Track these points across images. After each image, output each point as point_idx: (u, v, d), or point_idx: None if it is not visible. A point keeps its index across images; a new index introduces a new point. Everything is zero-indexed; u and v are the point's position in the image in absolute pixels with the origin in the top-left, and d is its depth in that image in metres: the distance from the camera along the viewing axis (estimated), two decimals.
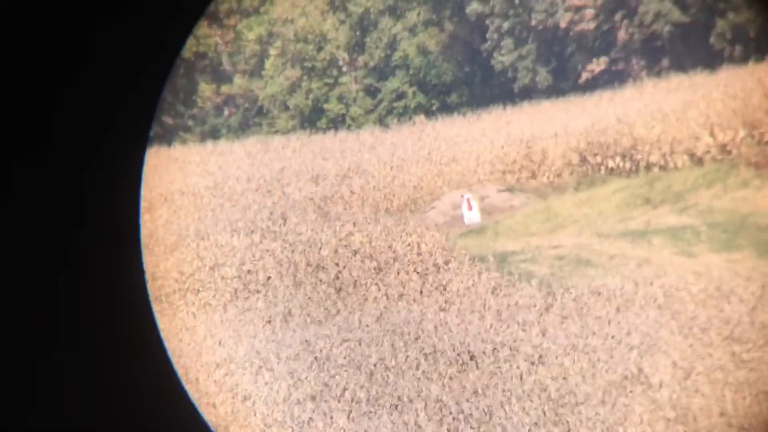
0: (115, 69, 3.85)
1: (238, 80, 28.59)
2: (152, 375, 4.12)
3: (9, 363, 3.64)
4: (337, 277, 14.95)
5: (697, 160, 17.51)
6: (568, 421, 9.98)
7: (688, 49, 22.84)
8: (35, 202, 3.74)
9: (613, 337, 11.53)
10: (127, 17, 3.80)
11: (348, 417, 10.78)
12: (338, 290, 14.54)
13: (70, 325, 3.80)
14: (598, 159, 18.74)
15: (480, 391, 10.86)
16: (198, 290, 15.16)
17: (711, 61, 21.17)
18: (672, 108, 19.09)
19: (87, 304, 3.88)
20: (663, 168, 17.79)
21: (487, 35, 26.87)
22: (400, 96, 26.85)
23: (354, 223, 17.30)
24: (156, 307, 14.49)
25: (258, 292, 14.95)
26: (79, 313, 3.85)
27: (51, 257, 3.79)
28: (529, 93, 25.31)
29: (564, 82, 25.21)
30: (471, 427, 10.26)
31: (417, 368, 11.57)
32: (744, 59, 19.86)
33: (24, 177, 3.72)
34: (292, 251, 16.10)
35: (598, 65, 24.96)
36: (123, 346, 3.98)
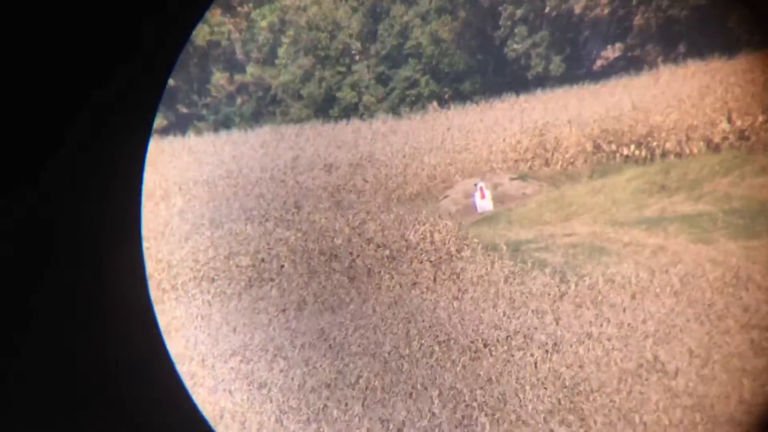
0: (118, 59, 3.82)
1: (251, 69, 28.56)
2: (152, 371, 4.11)
3: (8, 358, 3.63)
4: (351, 266, 14.97)
5: (714, 147, 17.32)
6: (582, 409, 9.96)
7: (706, 34, 22.52)
8: (37, 191, 3.73)
9: (628, 324, 11.47)
10: (131, 6, 3.78)
11: (363, 404, 10.81)
12: (352, 279, 14.56)
13: (67, 320, 3.79)
14: (613, 146, 18.59)
15: (494, 378, 10.86)
16: (213, 278, 15.24)
17: (729, 46, 20.86)
18: (688, 94, 18.88)
19: (86, 298, 3.87)
20: (679, 155, 17.62)
21: (500, 22, 26.65)
22: (413, 84, 26.73)
23: (367, 212, 17.30)
24: (172, 295, 14.63)
25: (272, 280, 15.00)
26: (78, 307, 3.83)
27: (50, 250, 3.77)
28: (543, 81, 25.10)
29: (578, 70, 24.97)
30: (485, 415, 10.27)
31: (431, 356, 11.58)
32: (763, 44, 19.56)
33: (26, 167, 3.70)
34: (306, 240, 16.13)
35: (613, 52, 24.69)
36: (122, 342, 3.96)
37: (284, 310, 13.75)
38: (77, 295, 3.78)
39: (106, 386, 3.83)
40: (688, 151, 17.57)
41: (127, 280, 3.99)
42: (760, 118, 16.89)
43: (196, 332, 13.08)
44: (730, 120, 17.43)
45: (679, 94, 19.09)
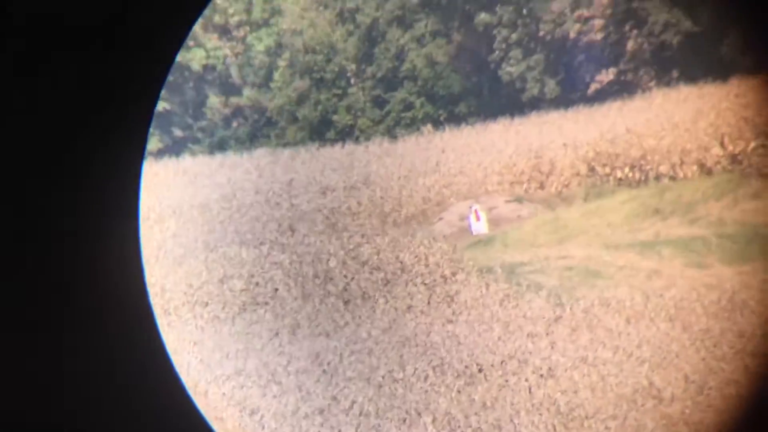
0: (109, 82, 3.85)
1: (247, 92, 28.69)
2: (161, 392, 4.10)
3: (16, 380, 3.62)
4: (346, 289, 14.92)
5: (707, 171, 17.39)
6: None
7: (698, 59, 22.73)
8: (37, 215, 3.73)
9: (623, 349, 11.43)
10: (119, 30, 3.81)
11: (356, 430, 10.72)
12: (346, 302, 14.51)
13: (74, 342, 3.78)
14: (607, 169, 18.65)
15: (488, 404, 10.78)
16: (206, 302, 15.17)
17: (721, 71, 21.04)
18: (682, 118, 18.99)
19: (90, 321, 3.86)
20: (673, 178, 17.68)
21: (495, 46, 26.86)
22: (408, 107, 26.87)
23: (362, 235, 17.29)
24: (164, 320, 14.55)
25: (266, 304, 14.93)
26: (83, 330, 3.83)
27: (52, 273, 3.77)
28: (538, 103, 25.25)
29: (572, 93, 25.14)
30: None
31: (425, 381, 11.51)
32: (755, 70, 19.73)
33: (25, 192, 3.71)
34: (301, 263, 16.09)
35: (607, 76, 24.87)
36: (129, 361, 3.96)
37: (278, 334, 13.68)
38: (81, 318, 3.78)
39: (115, 405, 3.81)
40: (681, 175, 17.64)
41: (130, 303, 3.98)
42: (753, 143, 16.99)
43: (189, 357, 12.98)
44: (722, 144, 17.53)
45: (673, 118, 19.22)
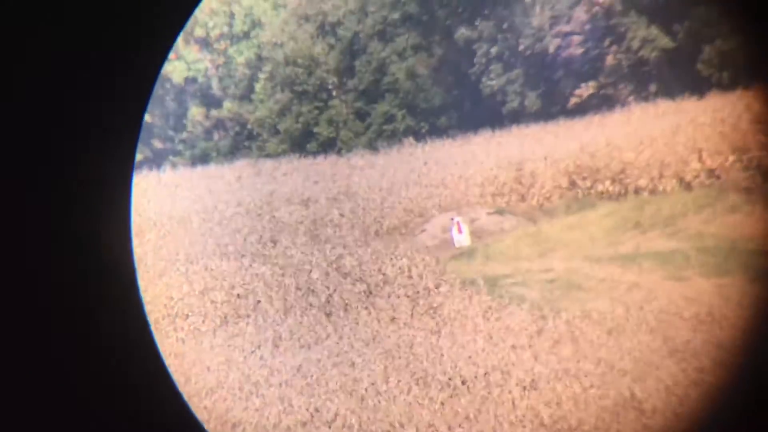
0: (96, 95, 3.85)
1: (228, 104, 28.64)
2: (156, 397, 4.08)
3: (11, 392, 3.57)
4: (328, 301, 14.87)
5: (686, 185, 17.64)
6: None
7: (676, 74, 23.12)
8: (28, 228, 3.71)
9: (605, 361, 11.49)
10: (104, 42, 3.81)
11: None
12: (328, 314, 14.45)
13: (68, 352, 3.75)
14: (588, 183, 18.83)
15: (472, 416, 10.77)
16: (187, 315, 15.03)
17: (698, 86, 21.42)
18: (660, 133, 19.26)
19: (84, 330, 3.84)
20: (652, 192, 17.89)
21: (476, 60, 27.11)
22: (390, 119, 26.98)
23: (344, 246, 17.26)
24: None
25: (248, 316, 14.83)
26: (77, 339, 3.80)
27: (46, 284, 3.74)
28: (518, 116, 25.48)
29: (553, 106, 25.41)
30: None
31: (408, 393, 11.48)
32: (732, 85, 20.10)
33: (17, 204, 3.68)
34: (282, 275, 16.02)
35: (586, 90, 25.19)
36: (123, 368, 3.94)
37: (260, 347, 13.57)
38: (74, 328, 3.74)
39: (110, 413, 3.77)
40: (661, 188, 17.87)
41: (124, 312, 3.96)
42: (730, 158, 17.26)
43: (169, 370, 12.82)
44: (700, 159, 17.80)
45: (651, 133, 19.48)
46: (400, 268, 15.84)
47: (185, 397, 11.99)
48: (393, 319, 13.93)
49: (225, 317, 14.89)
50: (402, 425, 10.77)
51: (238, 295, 15.51)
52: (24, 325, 3.59)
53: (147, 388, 3.89)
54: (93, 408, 3.71)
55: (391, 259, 16.24)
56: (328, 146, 26.29)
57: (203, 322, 14.81)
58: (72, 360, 3.68)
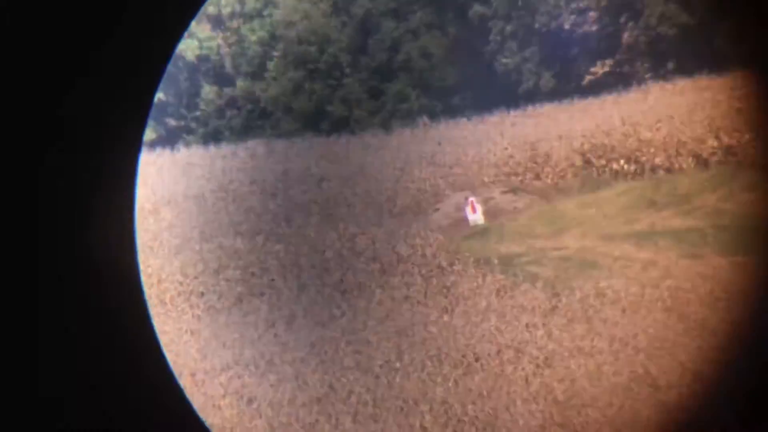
0: (106, 75, 3.84)
1: (241, 82, 28.58)
2: (151, 381, 4.09)
3: (7, 369, 3.60)
4: (342, 280, 14.92)
5: (703, 163, 17.48)
6: (574, 423, 9.94)
7: (694, 52, 22.80)
8: (31, 205, 3.71)
9: (619, 339, 11.48)
10: (117, 24, 3.79)
11: (353, 419, 10.74)
12: (343, 293, 14.51)
13: (66, 332, 3.77)
14: (603, 161, 18.71)
15: (485, 393, 10.82)
16: (202, 293, 15.14)
17: (716, 64, 21.12)
18: (677, 111, 19.06)
19: (84, 310, 3.85)
20: (668, 170, 17.74)
21: (490, 38, 26.84)
22: (404, 98, 26.83)
23: (358, 225, 17.28)
24: (160, 310, 14.52)
25: (262, 294, 14.92)
26: (77, 319, 3.82)
27: (46, 262, 3.75)
28: (533, 95, 25.26)
29: (568, 85, 25.15)
30: (477, 429, 10.22)
31: (422, 370, 11.54)
32: (750, 63, 19.79)
33: (20, 182, 3.69)
34: (296, 254, 16.08)
35: (602, 68, 24.92)
36: (122, 352, 3.95)
37: (274, 325, 13.67)
38: (75, 308, 3.76)
39: (105, 393, 3.80)
40: (677, 167, 17.72)
41: (124, 292, 3.97)
42: (747, 136, 17.07)
43: (186, 347, 12.97)
44: (717, 136, 17.62)
45: (668, 111, 19.27)
46: (413, 247, 15.85)
47: (200, 374, 12.11)
48: (407, 297, 13.97)
49: (240, 295, 15.00)
50: (416, 402, 10.84)
51: (253, 273, 15.60)
52: (20, 300, 3.61)
53: (140, 367, 3.91)
54: (89, 395, 3.74)
55: (405, 238, 16.25)
56: (341, 125, 26.22)
57: (218, 299, 14.92)
58: (66, 340, 3.70)
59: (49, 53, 3.64)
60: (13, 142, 3.63)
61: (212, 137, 26.99)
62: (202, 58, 28.75)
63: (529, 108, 23.80)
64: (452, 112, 25.58)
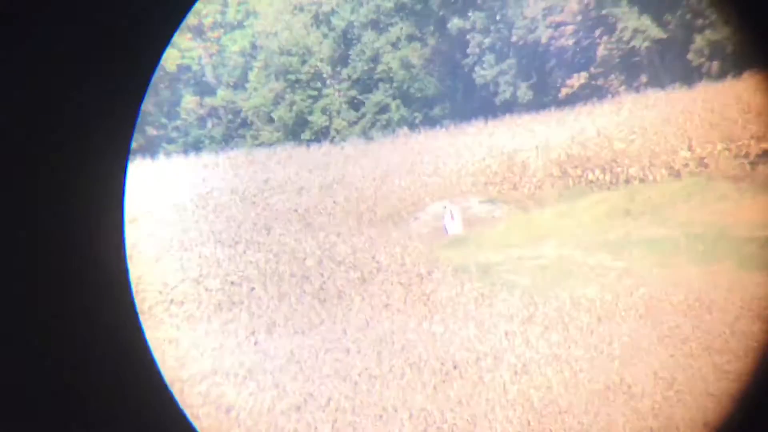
0: (93, 84, 3.90)
1: (222, 92, 28.61)
2: (141, 387, 4.14)
3: None
4: (322, 288, 14.98)
5: (676, 174, 17.82)
6: (551, 430, 10.08)
7: (666, 65, 23.29)
8: (20, 214, 3.76)
9: (595, 346, 11.67)
10: (103, 32, 3.86)
11: (332, 427, 10.79)
12: (322, 301, 14.57)
13: (55, 338, 3.81)
14: (579, 171, 19.01)
15: (464, 400, 10.92)
16: (182, 302, 15.11)
17: (688, 77, 21.60)
18: (650, 122, 19.43)
19: (72, 318, 3.89)
20: (642, 181, 18.07)
21: (469, 50, 27.18)
22: (384, 109, 27.03)
23: (338, 234, 17.37)
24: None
25: (242, 303, 14.93)
26: (66, 324, 3.86)
27: (35, 270, 3.80)
28: (511, 106, 25.60)
29: (544, 96, 25.54)
30: None
31: (402, 378, 11.62)
32: (721, 75, 20.28)
33: (8, 190, 3.74)
34: (276, 262, 16.12)
35: (578, 80, 25.33)
36: (111, 359, 4.00)
37: (254, 333, 13.68)
38: (63, 316, 3.81)
39: (96, 402, 3.85)
40: (651, 177, 18.05)
41: (113, 300, 4.03)
42: (719, 146, 17.45)
43: (164, 357, 12.93)
44: (690, 148, 17.98)
45: (642, 122, 19.63)
46: (393, 255, 15.97)
47: (179, 383, 12.11)
48: (386, 305, 14.06)
49: (219, 304, 14.99)
50: (395, 409, 10.91)
51: (233, 281, 15.61)
52: (8, 305, 3.65)
53: (135, 380, 3.96)
54: (79, 398, 3.78)
55: (385, 246, 16.37)
56: (321, 135, 26.36)
57: (198, 308, 14.90)
58: (60, 350, 3.74)
59: (39, 62, 3.71)
60: (3, 149, 3.68)
61: (193, 146, 26.98)
62: (183, 68, 28.76)
63: (507, 118, 24.13)
64: (431, 122, 25.85)
